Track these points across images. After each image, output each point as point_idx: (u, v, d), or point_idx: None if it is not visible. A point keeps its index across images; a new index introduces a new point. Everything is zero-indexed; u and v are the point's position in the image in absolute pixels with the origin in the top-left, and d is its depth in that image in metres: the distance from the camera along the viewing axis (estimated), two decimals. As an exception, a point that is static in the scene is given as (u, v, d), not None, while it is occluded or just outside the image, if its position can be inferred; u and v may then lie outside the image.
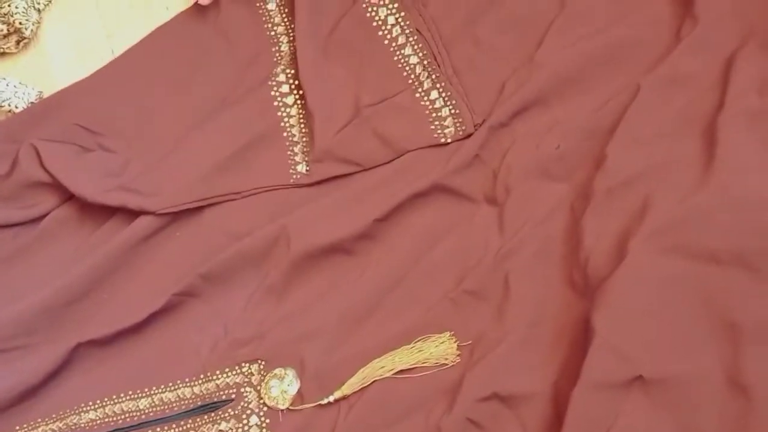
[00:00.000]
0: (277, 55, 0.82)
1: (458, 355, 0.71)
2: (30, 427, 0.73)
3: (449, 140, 0.77)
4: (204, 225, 0.76)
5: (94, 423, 0.72)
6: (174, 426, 0.72)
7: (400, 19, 0.80)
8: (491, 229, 0.74)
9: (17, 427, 0.73)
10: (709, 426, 0.62)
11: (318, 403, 0.71)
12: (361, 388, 0.71)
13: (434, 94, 0.78)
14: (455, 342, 0.72)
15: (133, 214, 0.76)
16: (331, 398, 0.71)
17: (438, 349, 0.71)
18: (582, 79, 0.76)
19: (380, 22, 0.80)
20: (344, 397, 0.71)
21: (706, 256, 0.66)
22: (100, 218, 0.78)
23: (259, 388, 0.72)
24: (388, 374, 0.71)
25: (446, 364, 0.71)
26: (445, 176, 0.75)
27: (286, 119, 0.79)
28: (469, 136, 0.76)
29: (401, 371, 0.71)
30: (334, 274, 0.75)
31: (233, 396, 0.72)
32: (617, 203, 0.71)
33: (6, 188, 0.78)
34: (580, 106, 0.75)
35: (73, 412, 0.73)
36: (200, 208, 0.77)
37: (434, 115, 0.77)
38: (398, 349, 0.72)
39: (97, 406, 0.73)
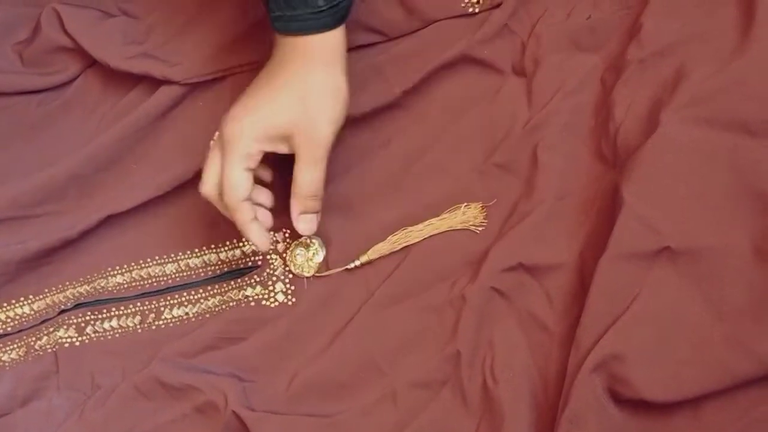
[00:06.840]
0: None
1: (485, 227, 0.71)
2: (58, 290, 0.73)
3: (477, 10, 0.75)
4: (226, 94, 0.75)
5: (121, 287, 0.73)
6: (201, 291, 0.72)
7: None
8: (519, 101, 0.73)
9: (46, 290, 0.73)
10: (735, 297, 0.62)
11: (344, 267, 0.71)
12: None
13: (463, -40, 0.75)
14: (483, 213, 0.71)
15: (156, 82, 0.75)
16: (357, 263, 0.71)
17: (465, 220, 0.71)
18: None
19: None
20: (369, 262, 0.71)
21: (739, 126, 0.64)
22: (125, 86, 0.77)
23: (284, 255, 0.72)
24: (414, 242, 0.71)
25: (474, 235, 0.71)
26: (473, 47, 0.73)
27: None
28: (499, 5, 0.74)
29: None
30: (360, 145, 0.74)
31: (259, 263, 0.73)
32: (650, 74, 0.69)
33: (28, 53, 0.77)
34: (612, -25, 0.73)
35: (100, 276, 0.73)
36: (223, 77, 0.75)
37: (463, -17, 0.75)
38: (425, 219, 0.71)
39: (124, 270, 0.74)
